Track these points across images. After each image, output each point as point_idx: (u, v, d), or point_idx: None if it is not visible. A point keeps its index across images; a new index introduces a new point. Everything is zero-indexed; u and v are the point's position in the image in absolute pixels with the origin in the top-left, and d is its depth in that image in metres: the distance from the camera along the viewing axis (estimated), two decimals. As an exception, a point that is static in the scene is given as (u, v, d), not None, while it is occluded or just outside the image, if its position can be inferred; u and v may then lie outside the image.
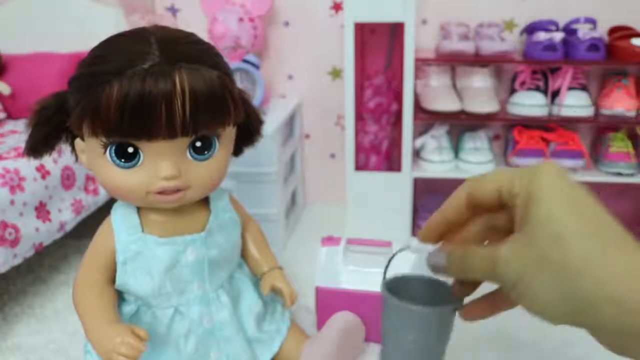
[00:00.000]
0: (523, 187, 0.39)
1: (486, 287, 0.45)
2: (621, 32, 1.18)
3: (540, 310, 0.37)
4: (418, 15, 1.26)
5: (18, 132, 1.15)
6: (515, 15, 1.28)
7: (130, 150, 0.59)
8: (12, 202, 0.89)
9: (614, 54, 1.15)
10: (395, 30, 1.25)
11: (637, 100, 1.16)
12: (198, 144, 0.62)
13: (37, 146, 0.63)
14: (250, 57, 1.25)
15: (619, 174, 1.17)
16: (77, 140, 0.63)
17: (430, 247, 0.49)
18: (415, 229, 1.30)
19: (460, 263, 0.44)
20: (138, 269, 0.67)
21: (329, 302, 0.87)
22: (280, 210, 1.22)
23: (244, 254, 0.79)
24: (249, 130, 0.72)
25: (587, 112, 1.17)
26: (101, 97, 0.55)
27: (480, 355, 0.85)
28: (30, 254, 0.93)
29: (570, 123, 1.23)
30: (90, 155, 0.62)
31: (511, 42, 1.17)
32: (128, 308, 0.69)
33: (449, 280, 0.51)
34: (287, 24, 1.37)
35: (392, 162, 1.31)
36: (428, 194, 1.33)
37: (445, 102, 1.20)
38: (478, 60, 1.20)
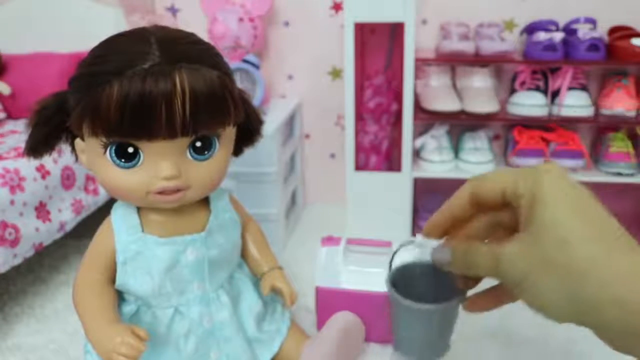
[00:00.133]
0: (527, 189, 0.40)
1: (489, 280, 0.45)
2: (621, 32, 1.18)
3: (545, 309, 0.37)
4: (418, 15, 1.26)
5: (18, 132, 1.15)
6: (515, 15, 1.28)
7: (131, 150, 0.59)
8: (12, 202, 0.89)
9: (614, 54, 1.15)
10: (395, 30, 1.25)
11: (637, 100, 1.16)
12: (198, 144, 0.62)
13: (37, 146, 0.63)
14: (250, 57, 1.25)
15: (619, 174, 1.17)
16: (77, 140, 0.63)
17: (434, 242, 0.49)
18: (415, 229, 1.30)
19: (463, 259, 0.44)
20: (138, 269, 0.67)
21: (329, 302, 0.87)
22: (280, 210, 1.22)
23: (244, 254, 0.79)
24: (249, 130, 0.72)
25: (587, 112, 1.17)
26: (101, 97, 0.55)
27: (483, 351, 0.85)
28: (30, 254, 0.93)
29: (570, 123, 1.23)
30: (90, 155, 0.62)
31: (511, 42, 1.17)
32: (128, 308, 0.69)
33: None
34: (287, 24, 1.37)
35: (392, 162, 1.31)
36: (428, 194, 1.33)
37: (445, 102, 1.20)
38: (478, 60, 1.20)
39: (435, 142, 1.25)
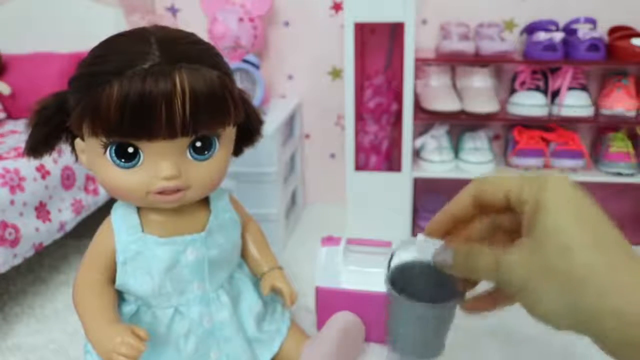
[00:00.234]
0: (532, 195, 0.40)
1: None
2: (621, 32, 1.18)
3: (544, 317, 0.38)
4: (418, 15, 1.26)
5: (18, 132, 1.15)
6: (515, 15, 1.28)
7: (131, 150, 0.59)
8: (12, 202, 0.89)
9: (614, 54, 1.15)
10: (395, 30, 1.25)
11: (637, 100, 1.16)
12: (198, 144, 0.62)
13: (37, 146, 0.63)
14: (250, 57, 1.25)
15: (619, 174, 1.17)
16: (77, 140, 0.63)
17: (435, 242, 0.50)
18: (415, 229, 1.30)
19: (465, 262, 0.44)
20: (138, 269, 0.67)
21: (329, 302, 0.87)
22: (280, 210, 1.22)
23: (244, 254, 0.79)
24: (249, 130, 0.72)
25: (587, 112, 1.17)
26: (101, 97, 0.55)
27: (483, 350, 0.85)
28: (30, 254, 0.93)
29: (570, 123, 1.23)
30: (90, 155, 0.62)
31: (511, 42, 1.17)
32: (128, 308, 0.69)
33: None
34: (287, 24, 1.37)
35: (392, 162, 1.31)
36: (428, 194, 1.33)
37: (445, 102, 1.20)
38: (478, 60, 1.20)
39: (435, 142, 1.25)
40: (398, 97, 1.24)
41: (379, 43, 1.28)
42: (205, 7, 1.31)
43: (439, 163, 1.23)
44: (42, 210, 0.97)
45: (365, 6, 1.12)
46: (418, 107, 1.24)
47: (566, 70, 1.19)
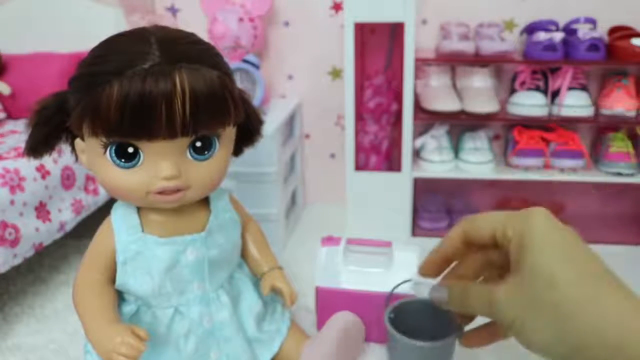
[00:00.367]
0: (516, 233, 0.42)
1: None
2: (621, 32, 1.18)
3: (537, 348, 0.40)
4: (418, 15, 1.26)
5: (18, 132, 1.15)
6: (515, 15, 1.28)
7: (131, 150, 0.59)
8: (12, 202, 0.89)
9: (614, 54, 1.15)
10: (395, 30, 1.25)
11: (637, 100, 1.16)
12: (198, 144, 0.62)
13: (37, 146, 0.63)
14: (250, 57, 1.25)
15: (619, 174, 1.17)
16: (77, 140, 0.63)
17: (429, 281, 0.52)
18: (415, 229, 1.30)
19: (460, 299, 0.47)
20: (138, 269, 0.67)
21: (329, 302, 0.87)
22: (280, 210, 1.22)
23: (244, 254, 0.79)
24: (249, 130, 0.72)
25: (587, 112, 1.17)
26: (101, 97, 0.54)
27: (482, 352, 0.85)
28: (30, 254, 0.93)
29: (570, 123, 1.23)
30: (90, 155, 0.62)
31: (511, 42, 1.17)
32: (128, 308, 0.69)
33: None
34: (287, 24, 1.37)
35: (392, 162, 1.31)
36: (428, 194, 1.33)
37: (445, 102, 1.20)
38: (478, 60, 1.20)
39: (435, 142, 1.25)
40: (398, 97, 1.24)
41: (379, 43, 1.28)
42: (205, 7, 1.31)
43: (439, 163, 1.23)
44: (42, 210, 0.97)
45: (365, 6, 1.12)
46: (418, 107, 1.24)
47: (566, 70, 1.19)
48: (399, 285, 0.79)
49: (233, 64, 1.23)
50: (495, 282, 0.43)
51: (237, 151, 0.74)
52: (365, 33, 1.27)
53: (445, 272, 0.52)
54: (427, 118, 1.23)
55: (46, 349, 0.89)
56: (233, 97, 0.60)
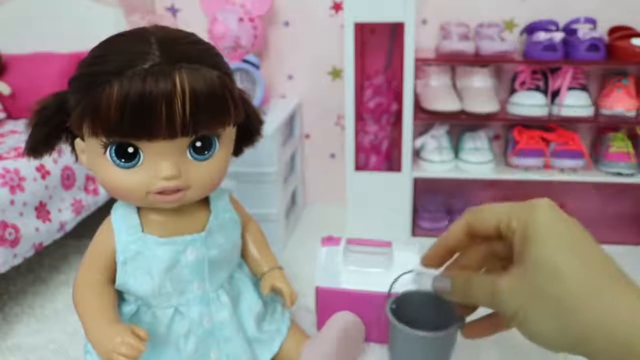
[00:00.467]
0: (520, 224, 0.42)
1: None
2: (621, 32, 1.18)
3: (539, 340, 0.40)
4: (418, 15, 1.26)
5: (18, 132, 1.15)
6: (515, 15, 1.28)
7: (131, 150, 0.59)
8: (12, 202, 0.89)
9: (614, 54, 1.15)
10: (395, 30, 1.25)
11: (637, 100, 1.16)
12: (198, 144, 0.62)
13: (37, 146, 0.63)
14: (250, 57, 1.25)
15: (619, 174, 1.17)
16: (77, 140, 0.63)
17: (432, 272, 0.52)
18: (415, 229, 1.30)
19: (463, 290, 0.47)
20: (138, 269, 0.67)
21: (329, 302, 0.87)
22: (280, 210, 1.22)
23: (244, 254, 0.79)
24: (249, 130, 0.72)
25: (587, 112, 1.17)
26: (101, 97, 0.54)
27: (483, 351, 0.85)
28: (30, 254, 0.93)
29: (570, 123, 1.23)
30: (90, 155, 0.62)
31: (511, 42, 1.17)
32: (128, 308, 0.69)
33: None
34: (287, 24, 1.37)
35: (392, 162, 1.31)
36: (428, 194, 1.33)
37: (445, 102, 1.20)
38: (478, 60, 1.20)
39: (435, 142, 1.25)
40: (398, 97, 1.24)
41: (379, 43, 1.28)
42: (205, 7, 1.31)
43: (439, 163, 1.23)
44: (42, 210, 0.97)
45: (365, 6, 1.12)
46: (418, 107, 1.24)
47: (566, 70, 1.19)
48: (401, 275, 0.79)
49: (233, 64, 1.23)
50: (499, 273, 0.43)
51: (237, 151, 0.74)
52: (365, 33, 1.27)
53: (448, 262, 0.52)
54: (427, 118, 1.23)
55: (46, 349, 0.89)
56: (233, 97, 0.60)
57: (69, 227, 1.04)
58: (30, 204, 0.94)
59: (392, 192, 1.25)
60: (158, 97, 0.54)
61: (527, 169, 1.22)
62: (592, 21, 1.19)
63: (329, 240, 0.91)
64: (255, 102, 1.25)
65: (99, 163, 0.61)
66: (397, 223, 1.27)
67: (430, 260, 0.51)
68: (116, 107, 0.54)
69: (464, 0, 1.28)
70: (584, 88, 1.19)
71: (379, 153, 1.31)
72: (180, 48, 0.57)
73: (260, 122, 0.74)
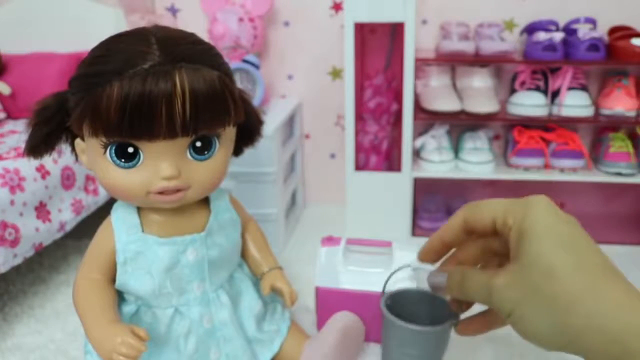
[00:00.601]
0: (516, 221, 0.41)
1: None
2: (621, 32, 1.18)
3: (534, 338, 0.39)
4: (418, 15, 1.26)
5: (18, 132, 1.15)
6: (515, 15, 1.28)
7: (131, 150, 0.59)
8: (12, 202, 0.89)
9: (614, 54, 1.15)
10: (395, 30, 1.25)
11: (637, 100, 1.16)
12: (198, 144, 0.62)
13: (37, 146, 0.63)
14: (250, 57, 1.25)
15: (619, 174, 1.17)
16: (78, 141, 0.63)
17: (429, 267, 0.52)
18: (415, 229, 1.30)
19: (458, 286, 0.46)
20: (138, 269, 0.67)
21: (329, 302, 0.87)
22: (280, 210, 1.22)
23: (244, 254, 0.79)
24: (249, 130, 0.72)
25: (587, 112, 1.17)
26: (101, 97, 0.55)
27: (479, 350, 0.85)
28: (30, 254, 0.93)
29: (570, 123, 1.23)
30: (90, 155, 0.62)
31: (511, 42, 1.17)
32: (128, 308, 0.69)
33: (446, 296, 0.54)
34: (287, 24, 1.37)
35: (392, 162, 1.31)
36: (428, 194, 1.33)
37: (445, 102, 1.20)
38: (478, 60, 1.20)
39: (435, 142, 1.25)
40: (398, 97, 1.24)
41: (379, 43, 1.28)
42: (205, 7, 1.31)
43: (439, 163, 1.23)
44: (42, 210, 0.97)
45: (365, 6, 1.12)
46: (418, 107, 1.24)
47: (566, 70, 1.19)
48: (398, 270, 0.79)
49: (233, 64, 1.23)
50: (495, 270, 0.42)
51: (237, 151, 0.74)
52: (365, 33, 1.27)
53: (444, 258, 0.51)
54: (427, 118, 1.23)
55: (46, 349, 0.89)
56: (233, 97, 0.60)
57: (69, 227, 1.04)
58: (30, 204, 0.94)
59: (392, 192, 1.25)
60: (158, 97, 0.54)
61: (527, 169, 1.22)
62: (592, 21, 1.19)
63: (329, 241, 0.91)
64: (255, 102, 1.25)
65: (99, 163, 0.61)
66: (397, 223, 1.27)
67: (426, 256, 0.51)
68: (116, 107, 0.54)
69: (464, 0, 1.28)
70: (584, 88, 1.19)
71: (379, 153, 1.31)
72: (181, 48, 0.57)
73: (260, 122, 0.74)
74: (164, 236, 0.67)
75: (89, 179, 1.10)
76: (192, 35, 0.61)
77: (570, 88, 1.18)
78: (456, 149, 1.28)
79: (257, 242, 0.79)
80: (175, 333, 0.70)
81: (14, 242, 0.89)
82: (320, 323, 0.88)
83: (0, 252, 0.86)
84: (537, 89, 1.20)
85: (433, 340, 0.72)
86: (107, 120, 0.55)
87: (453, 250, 0.51)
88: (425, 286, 0.54)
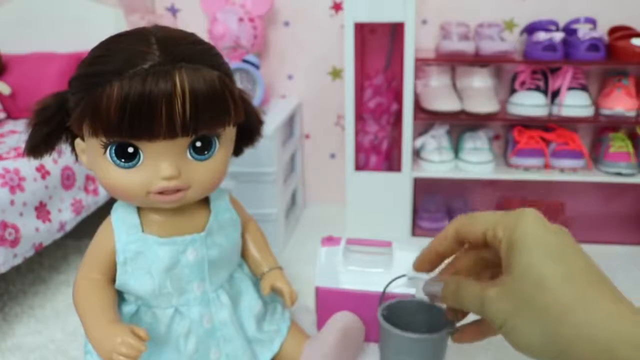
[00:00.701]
0: (507, 234, 0.42)
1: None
2: (621, 32, 1.18)
3: (525, 349, 0.40)
4: (418, 15, 1.26)
5: (18, 132, 1.15)
6: (515, 15, 1.28)
7: (131, 150, 0.59)
8: (12, 202, 0.89)
9: (614, 54, 1.15)
10: (395, 30, 1.25)
11: (637, 100, 1.16)
12: (198, 144, 0.62)
13: (37, 146, 0.63)
14: (250, 57, 1.25)
15: (619, 174, 1.17)
16: (78, 140, 0.63)
17: (424, 276, 0.53)
18: (415, 229, 1.30)
19: (454, 296, 0.47)
20: (138, 269, 0.67)
21: (329, 302, 0.87)
22: (280, 210, 1.22)
23: (244, 254, 0.79)
24: (249, 130, 0.72)
25: (587, 112, 1.17)
26: (101, 97, 0.55)
27: (476, 353, 0.85)
28: (30, 254, 0.93)
29: (570, 123, 1.23)
30: (90, 155, 0.62)
31: (511, 42, 1.17)
32: (128, 308, 0.69)
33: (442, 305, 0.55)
34: (287, 24, 1.37)
35: (392, 162, 1.31)
36: (428, 194, 1.33)
37: (445, 102, 1.20)
38: (478, 60, 1.20)
39: (435, 142, 1.25)
40: (398, 97, 1.24)
41: (379, 43, 1.28)
42: (205, 7, 1.31)
43: (439, 163, 1.23)
44: (42, 210, 0.97)
45: (365, 6, 1.12)
46: (418, 107, 1.24)
47: (566, 70, 1.19)
48: (394, 280, 0.79)
49: (233, 64, 1.23)
50: (488, 281, 0.43)
51: (237, 151, 0.74)
52: (365, 33, 1.27)
53: (440, 267, 0.52)
54: (427, 118, 1.23)
55: (46, 349, 0.89)
56: (233, 97, 0.60)
57: (69, 227, 1.04)
58: (30, 204, 0.94)
59: (392, 192, 1.25)
60: (158, 97, 0.54)
61: (527, 169, 1.22)
62: (592, 21, 1.19)
63: (329, 241, 0.91)
64: (255, 102, 1.25)
65: (99, 163, 0.61)
66: (397, 223, 1.27)
67: (420, 265, 0.52)
68: (116, 107, 0.54)
69: (464, 0, 1.28)
70: (584, 88, 1.19)
71: (379, 153, 1.31)
72: (181, 48, 0.57)
73: (260, 122, 0.74)
74: (164, 236, 0.67)
75: (89, 179, 1.10)
76: (192, 35, 0.61)
77: (570, 88, 1.18)
78: (456, 149, 1.28)
79: (257, 242, 0.79)
80: (175, 333, 0.70)
81: (14, 242, 0.89)
82: (320, 323, 0.88)
83: (0, 252, 0.86)
84: (537, 89, 1.20)
85: (430, 348, 0.72)
86: (107, 120, 0.55)
87: (451, 258, 0.52)
88: (422, 294, 0.54)
